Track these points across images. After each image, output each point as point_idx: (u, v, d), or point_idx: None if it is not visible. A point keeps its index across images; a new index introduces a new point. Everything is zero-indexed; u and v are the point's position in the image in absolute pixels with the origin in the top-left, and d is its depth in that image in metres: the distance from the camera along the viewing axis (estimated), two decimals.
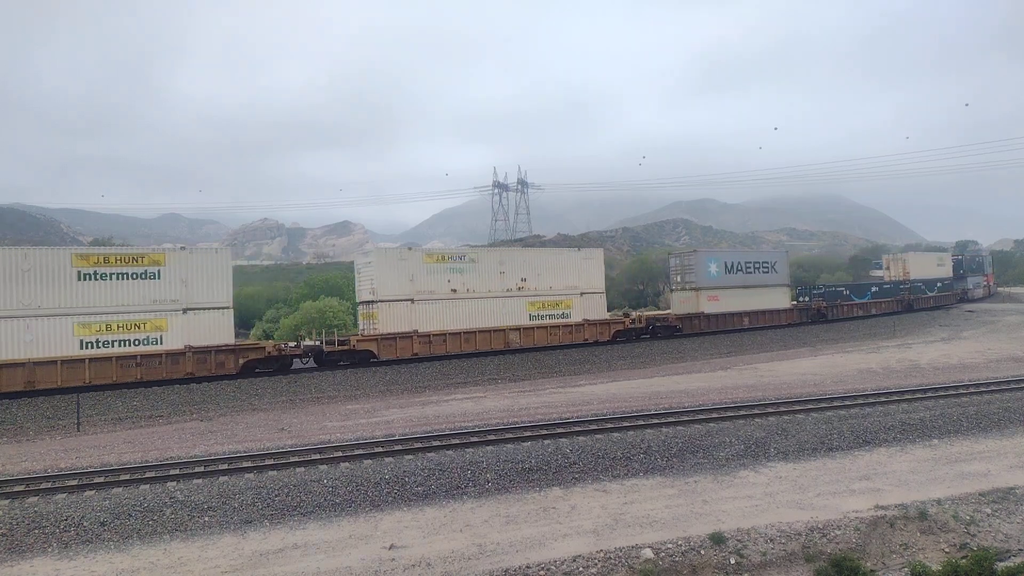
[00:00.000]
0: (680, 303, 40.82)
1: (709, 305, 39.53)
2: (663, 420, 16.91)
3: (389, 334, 29.30)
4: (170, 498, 12.22)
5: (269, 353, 27.08)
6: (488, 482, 13.11)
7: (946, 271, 60.09)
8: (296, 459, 14.22)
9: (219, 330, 25.75)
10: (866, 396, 19.55)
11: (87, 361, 23.30)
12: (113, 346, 23.92)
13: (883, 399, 19.16)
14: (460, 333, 30.79)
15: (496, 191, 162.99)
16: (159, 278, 24.65)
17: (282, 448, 15.33)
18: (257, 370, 26.82)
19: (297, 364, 28.59)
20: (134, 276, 24.29)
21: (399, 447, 14.93)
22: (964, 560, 9.88)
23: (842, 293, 48.54)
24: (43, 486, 12.93)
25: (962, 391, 20.06)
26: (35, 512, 11.70)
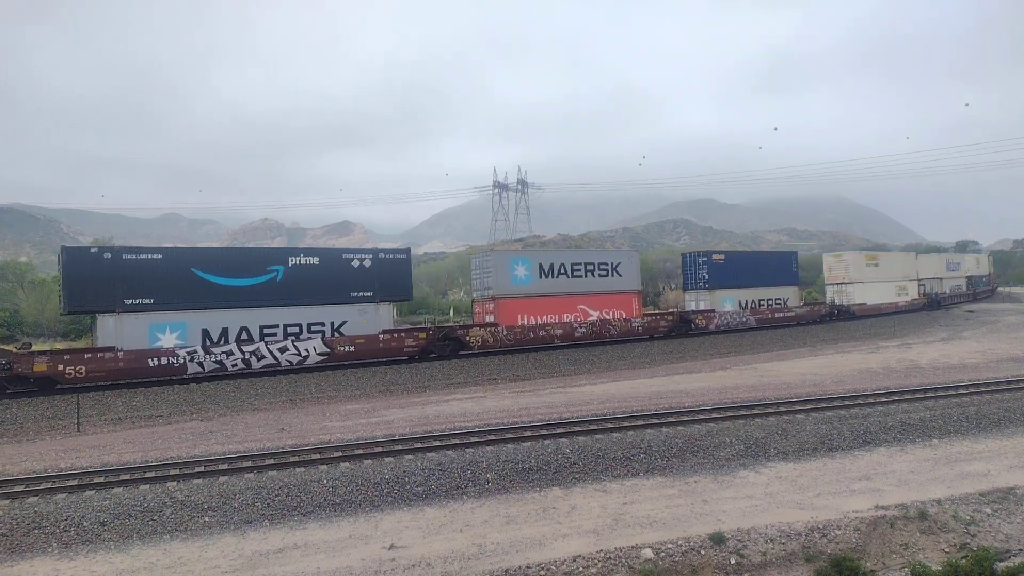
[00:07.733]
0: None
1: None
2: (663, 420, 16.89)
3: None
4: (170, 498, 12.22)
5: None
6: (488, 482, 13.11)
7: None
8: (296, 459, 14.20)
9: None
10: (866, 396, 19.55)
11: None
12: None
13: (883, 399, 19.16)
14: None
15: (496, 191, 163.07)
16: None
17: (282, 448, 15.32)
18: None
19: None
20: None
21: (399, 447, 14.92)
22: (964, 560, 9.88)
23: None
24: (43, 486, 12.92)
25: (962, 391, 20.06)
26: (35, 512, 11.69)
